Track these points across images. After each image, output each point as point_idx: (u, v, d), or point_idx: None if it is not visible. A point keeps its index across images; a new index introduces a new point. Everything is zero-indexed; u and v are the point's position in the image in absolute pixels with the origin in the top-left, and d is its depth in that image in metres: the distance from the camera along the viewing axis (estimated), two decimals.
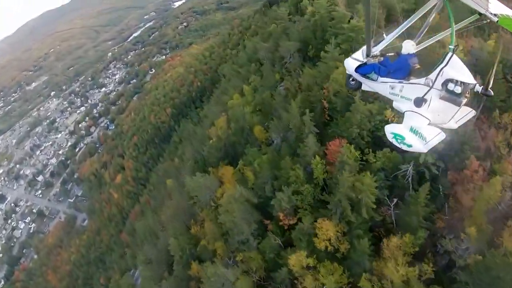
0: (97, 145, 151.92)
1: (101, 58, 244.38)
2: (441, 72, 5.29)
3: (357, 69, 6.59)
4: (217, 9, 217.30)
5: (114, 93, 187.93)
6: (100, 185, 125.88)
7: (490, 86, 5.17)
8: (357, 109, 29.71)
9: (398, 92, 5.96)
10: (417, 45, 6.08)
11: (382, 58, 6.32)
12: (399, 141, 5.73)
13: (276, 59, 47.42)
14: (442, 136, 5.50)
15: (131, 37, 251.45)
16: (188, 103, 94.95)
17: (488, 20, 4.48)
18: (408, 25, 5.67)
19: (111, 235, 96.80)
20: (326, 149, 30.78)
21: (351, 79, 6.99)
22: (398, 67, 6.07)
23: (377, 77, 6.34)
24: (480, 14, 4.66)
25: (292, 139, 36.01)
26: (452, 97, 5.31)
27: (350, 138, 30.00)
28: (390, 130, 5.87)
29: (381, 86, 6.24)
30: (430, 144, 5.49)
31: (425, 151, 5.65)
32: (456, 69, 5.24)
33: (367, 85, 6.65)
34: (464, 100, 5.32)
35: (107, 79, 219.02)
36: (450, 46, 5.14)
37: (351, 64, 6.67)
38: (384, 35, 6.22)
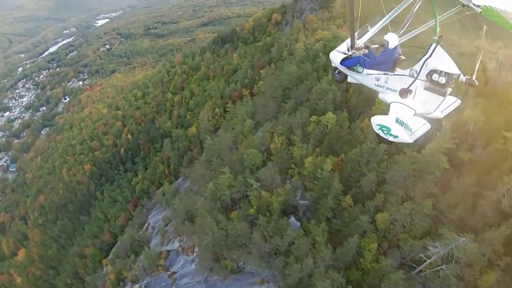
0: None
1: (10, 73, 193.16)
2: (426, 63, 5.08)
3: (342, 62, 6.21)
4: (144, 34, 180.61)
5: (19, 121, 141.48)
6: None
7: (475, 76, 4.93)
8: None
9: (384, 83, 5.70)
10: (401, 36, 5.72)
11: (366, 51, 6.06)
12: (385, 132, 5.34)
13: None
14: (428, 126, 5.26)
15: (46, 53, 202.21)
16: (115, 162, 63.20)
17: (472, 11, 4.29)
18: (392, 17, 5.43)
19: None
20: None
21: (336, 72, 6.61)
22: (382, 60, 5.80)
23: (362, 70, 6.02)
24: (463, 5, 4.44)
25: None
26: (437, 88, 5.15)
27: None
28: (376, 121, 5.46)
29: (366, 78, 5.94)
30: (416, 134, 5.21)
31: (411, 141, 5.32)
32: (441, 60, 5.05)
33: (353, 77, 6.28)
34: (449, 90, 5.13)
35: (13, 101, 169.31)
36: (434, 37, 4.95)
37: (336, 56, 6.30)
38: (369, 27, 5.91)
